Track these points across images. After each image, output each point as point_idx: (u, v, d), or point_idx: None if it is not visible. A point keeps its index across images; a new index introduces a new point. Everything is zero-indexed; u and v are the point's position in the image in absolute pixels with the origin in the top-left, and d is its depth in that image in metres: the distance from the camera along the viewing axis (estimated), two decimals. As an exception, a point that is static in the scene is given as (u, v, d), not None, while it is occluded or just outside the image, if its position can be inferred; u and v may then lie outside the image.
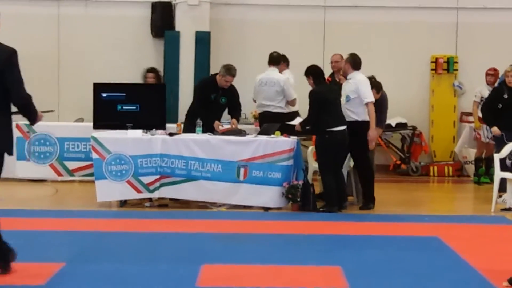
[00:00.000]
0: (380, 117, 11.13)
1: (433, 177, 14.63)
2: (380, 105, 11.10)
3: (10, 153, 7.06)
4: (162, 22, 14.88)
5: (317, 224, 9.75)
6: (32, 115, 7.29)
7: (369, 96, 10.62)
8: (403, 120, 14.46)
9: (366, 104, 10.59)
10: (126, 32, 15.14)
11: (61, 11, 15.16)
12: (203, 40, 14.52)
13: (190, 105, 11.93)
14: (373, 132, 10.66)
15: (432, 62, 15.13)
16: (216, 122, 11.15)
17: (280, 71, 12.46)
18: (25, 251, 7.85)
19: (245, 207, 10.56)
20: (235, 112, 11.72)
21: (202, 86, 11.67)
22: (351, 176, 11.15)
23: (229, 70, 11.34)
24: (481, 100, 13.46)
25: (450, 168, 14.87)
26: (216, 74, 11.53)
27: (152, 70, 13.43)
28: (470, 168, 14.28)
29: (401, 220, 10.29)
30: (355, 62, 10.77)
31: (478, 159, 13.78)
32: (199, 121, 10.96)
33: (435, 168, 14.77)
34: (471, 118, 14.42)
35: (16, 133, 13.01)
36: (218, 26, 14.91)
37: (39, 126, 13.14)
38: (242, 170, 10.60)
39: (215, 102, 11.40)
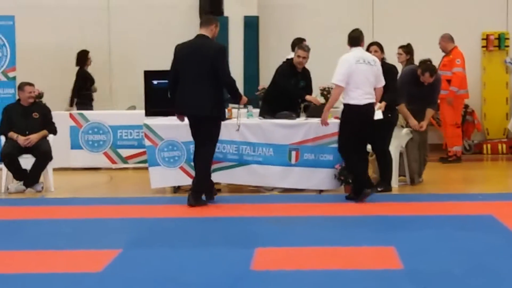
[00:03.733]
0: (432, 98, 11.03)
1: (487, 155, 14.48)
2: (434, 86, 11.01)
3: (224, 119, 9.74)
4: (211, 7, 14.90)
5: (370, 205, 9.70)
6: (236, 95, 9.63)
7: (334, 77, 9.79)
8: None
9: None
10: (175, 19, 15.21)
11: (111, 1, 15.26)
12: (251, 25, 14.52)
13: (266, 90, 11.81)
14: (324, 115, 9.97)
15: (483, 39, 14.97)
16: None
17: None
18: (81, 238, 7.99)
19: (297, 190, 10.56)
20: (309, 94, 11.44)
21: (283, 72, 11.24)
22: (404, 156, 11.08)
23: (300, 45, 11.22)
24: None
25: (504, 146, 14.70)
26: (291, 59, 11.37)
27: None
28: (526, 145, 14.12)
29: (454, 199, 10.20)
30: (349, 38, 9.96)
31: (532, 135, 13.63)
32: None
33: (489, 146, 14.62)
34: (524, 95, 14.27)
35: (69, 123, 13.23)
36: (266, 10, 14.90)
37: (92, 115, 13.37)
38: (293, 154, 10.60)
39: (295, 86, 11.28)
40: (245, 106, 10.66)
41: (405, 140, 10.99)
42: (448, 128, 13.57)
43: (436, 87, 11.19)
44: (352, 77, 9.60)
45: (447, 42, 13.35)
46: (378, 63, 9.87)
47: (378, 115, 10.01)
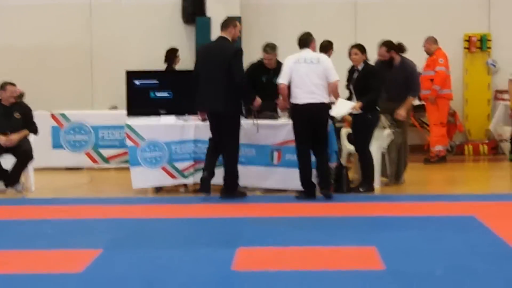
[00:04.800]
0: (410, 85, 11.25)
1: (468, 156, 14.52)
2: (406, 72, 11.32)
3: (244, 115, 10.31)
4: (193, 8, 14.89)
5: (352, 206, 9.73)
6: (246, 97, 10.18)
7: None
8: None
9: None
10: (157, 19, 15.17)
11: (93, 0, 15.22)
12: (234, 25, 14.49)
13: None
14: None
15: (465, 40, 15.00)
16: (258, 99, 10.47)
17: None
18: (62, 239, 7.97)
19: (279, 190, 10.56)
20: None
21: (249, 70, 11.29)
22: (385, 156, 11.10)
23: (264, 47, 11.26)
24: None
25: (485, 147, 14.74)
26: (260, 60, 11.33)
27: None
28: (506, 146, 14.16)
29: (436, 199, 10.24)
30: (298, 40, 10.30)
31: (513, 137, 13.68)
32: None
33: (470, 147, 14.66)
34: (505, 96, 14.33)
35: (51, 122, 13.18)
36: (249, 10, 14.88)
37: (73, 115, 13.32)
38: (275, 154, 10.60)
39: (269, 83, 11.25)
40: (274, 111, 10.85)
41: (387, 141, 11.01)
42: (432, 128, 13.63)
43: (410, 73, 11.27)
44: (292, 77, 9.95)
45: (431, 44, 13.44)
46: (324, 60, 10.08)
47: (337, 112, 10.22)
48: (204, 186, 10.11)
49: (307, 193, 10.04)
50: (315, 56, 10.12)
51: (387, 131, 11.00)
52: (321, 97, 9.92)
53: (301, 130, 9.97)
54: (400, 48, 11.39)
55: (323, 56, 10.22)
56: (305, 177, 10.02)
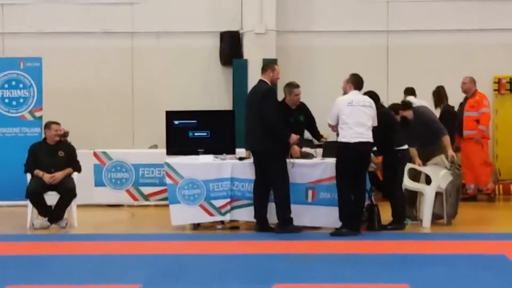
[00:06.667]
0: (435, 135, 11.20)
1: (499, 195, 14.37)
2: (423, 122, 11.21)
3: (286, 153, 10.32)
4: (231, 50, 14.99)
5: (384, 243, 9.66)
6: (278, 134, 10.20)
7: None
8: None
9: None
10: (196, 61, 15.29)
11: (135, 43, 15.37)
12: (270, 67, 14.55)
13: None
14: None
15: (495, 82, 14.94)
16: (296, 148, 10.62)
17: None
18: (103, 274, 7.97)
19: (313, 228, 10.51)
20: (314, 127, 11.67)
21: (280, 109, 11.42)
22: (443, 197, 10.97)
23: (292, 84, 11.29)
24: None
25: (516, 186, 14.63)
26: (282, 100, 11.42)
27: None
28: (536, 186, 14.04)
29: (468, 238, 10.13)
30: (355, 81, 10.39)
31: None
32: None
33: (501, 186, 14.52)
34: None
35: (93, 161, 13.26)
36: (284, 53, 14.96)
37: (115, 154, 13.41)
38: (310, 192, 10.58)
39: (296, 122, 11.30)
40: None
41: (444, 182, 10.88)
42: (479, 167, 13.59)
43: (426, 120, 11.29)
44: (344, 117, 10.07)
45: (472, 85, 13.58)
46: (374, 106, 10.23)
47: None
48: (261, 226, 10.38)
49: (349, 226, 10.02)
50: (367, 99, 10.23)
51: (444, 172, 10.91)
52: (370, 138, 10.05)
53: (348, 167, 10.02)
54: (405, 105, 11.31)
55: (372, 102, 10.28)
56: (347, 212, 10.05)
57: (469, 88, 13.54)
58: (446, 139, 11.24)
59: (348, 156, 10.04)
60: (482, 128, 13.45)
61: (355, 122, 10.02)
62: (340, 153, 10.15)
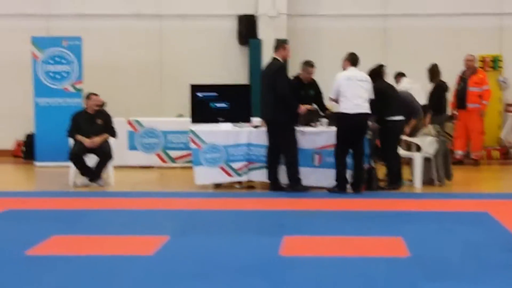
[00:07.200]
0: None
1: (482, 160, 14.33)
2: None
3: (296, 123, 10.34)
4: (247, 31, 14.93)
5: (381, 202, 9.68)
6: (291, 106, 10.20)
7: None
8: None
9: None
10: (216, 41, 15.24)
11: (163, 24, 15.32)
12: (282, 46, 14.49)
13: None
14: None
15: (480, 61, 14.82)
16: (301, 106, 10.50)
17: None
18: (135, 226, 8.04)
19: (319, 187, 10.53)
20: (321, 100, 11.41)
21: (293, 83, 11.08)
22: (432, 162, 10.94)
23: (308, 62, 11.21)
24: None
25: (497, 153, 14.57)
26: (297, 75, 11.35)
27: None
28: (515, 152, 14.01)
29: (455, 197, 10.14)
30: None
31: (522, 144, 13.53)
32: None
33: (484, 152, 14.46)
34: (515, 109, 14.22)
35: (127, 128, 13.30)
36: (294, 34, 14.88)
37: (146, 122, 13.44)
38: (316, 157, 10.58)
39: (306, 95, 11.26)
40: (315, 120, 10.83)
41: (431, 148, 10.86)
42: (477, 136, 13.64)
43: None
44: (343, 91, 10.05)
45: (474, 62, 13.69)
46: (370, 80, 10.19)
47: None
48: (274, 186, 10.39)
49: (340, 187, 10.09)
50: (363, 75, 10.23)
51: (429, 139, 10.90)
52: (367, 109, 10.04)
53: (346, 135, 10.03)
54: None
55: (368, 77, 10.28)
56: (341, 175, 10.07)
57: (471, 65, 13.57)
58: (412, 121, 11.18)
59: (346, 125, 10.05)
60: (485, 103, 13.54)
61: (353, 94, 10.00)
62: (339, 122, 10.16)
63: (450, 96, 13.72)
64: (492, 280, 5.82)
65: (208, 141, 10.70)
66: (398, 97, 10.83)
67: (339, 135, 10.13)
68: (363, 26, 15.06)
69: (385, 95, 10.55)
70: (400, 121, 10.65)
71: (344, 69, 10.43)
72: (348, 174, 10.20)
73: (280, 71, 10.28)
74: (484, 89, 13.55)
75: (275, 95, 10.18)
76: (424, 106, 12.46)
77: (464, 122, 13.60)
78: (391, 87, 11.03)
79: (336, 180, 10.17)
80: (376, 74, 10.69)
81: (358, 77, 10.13)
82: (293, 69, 11.70)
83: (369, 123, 10.35)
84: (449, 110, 13.77)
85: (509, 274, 5.99)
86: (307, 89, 11.17)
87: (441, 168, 11.01)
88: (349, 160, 10.20)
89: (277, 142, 10.31)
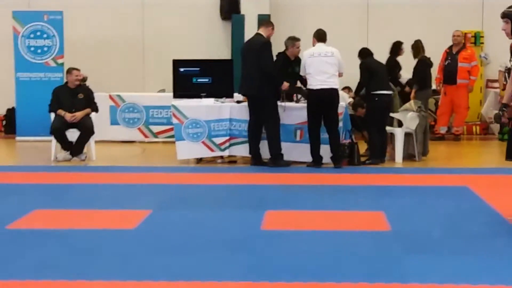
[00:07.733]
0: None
1: (463, 135, 14.40)
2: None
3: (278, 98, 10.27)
4: (229, 7, 14.85)
5: (362, 176, 9.70)
6: (274, 81, 10.17)
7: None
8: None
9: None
10: (199, 16, 15.15)
11: (145, 0, 15.21)
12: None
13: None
14: None
15: (462, 36, 14.85)
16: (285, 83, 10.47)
17: None
18: (118, 200, 8.01)
19: (301, 162, 10.54)
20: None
21: (276, 60, 10.97)
22: (413, 136, 10.97)
23: (295, 38, 11.12)
24: (506, 70, 13.49)
25: (478, 128, 14.64)
26: (283, 52, 11.25)
27: None
28: (495, 127, 14.04)
29: (436, 172, 10.18)
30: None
31: (502, 119, 13.55)
32: None
33: (465, 127, 14.52)
34: (495, 85, 14.26)
35: (109, 102, 13.23)
36: (277, 9, 14.80)
37: (128, 96, 13.36)
38: (298, 132, 10.58)
39: (293, 73, 11.19)
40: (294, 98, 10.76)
41: (412, 123, 10.87)
42: (462, 111, 13.67)
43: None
44: (308, 68, 10.14)
45: (462, 38, 13.75)
46: (337, 54, 10.19)
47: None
48: (256, 160, 10.38)
49: (315, 162, 10.17)
50: (329, 49, 10.21)
51: (411, 114, 10.90)
52: (333, 84, 10.05)
53: (314, 111, 10.08)
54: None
55: (336, 51, 10.25)
56: (315, 150, 10.15)
57: (460, 41, 13.63)
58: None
59: (313, 100, 10.12)
60: (474, 78, 13.59)
61: (317, 71, 10.07)
62: (308, 99, 10.25)
63: (433, 71, 13.71)
64: (471, 252, 5.85)
65: (190, 116, 10.66)
66: (385, 72, 10.88)
67: (308, 111, 10.20)
68: (346, 1, 15.00)
69: (371, 71, 10.57)
70: (387, 95, 10.66)
71: (313, 46, 10.40)
72: (328, 149, 10.22)
73: (266, 47, 10.25)
74: (473, 65, 13.61)
75: (260, 70, 10.13)
76: (409, 81, 12.50)
77: (451, 97, 13.61)
78: (379, 63, 11.01)
79: (311, 155, 10.19)
80: (364, 53, 10.89)
81: (323, 53, 10.16)
82: (276, 46, 11.65)
83: (346, 97, 10.37)
84: (434, 85, 13.76)
85: (487, 246, 6.03)
86: (294, 66, 11.12)
87: (420, 143, 11.04)
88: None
89: (259, 117, 10.29)
